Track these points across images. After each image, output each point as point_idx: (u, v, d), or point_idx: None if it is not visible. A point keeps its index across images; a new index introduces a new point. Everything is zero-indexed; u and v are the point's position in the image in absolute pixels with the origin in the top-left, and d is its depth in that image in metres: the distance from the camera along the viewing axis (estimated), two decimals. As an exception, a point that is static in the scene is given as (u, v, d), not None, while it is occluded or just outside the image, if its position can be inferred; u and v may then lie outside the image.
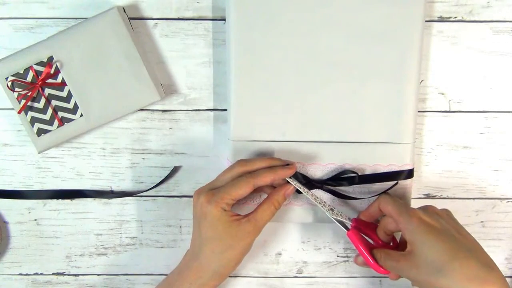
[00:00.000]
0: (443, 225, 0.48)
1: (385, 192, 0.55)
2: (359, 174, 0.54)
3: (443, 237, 0.47)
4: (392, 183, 0.55)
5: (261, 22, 0.52)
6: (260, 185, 0.50)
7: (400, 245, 0.53)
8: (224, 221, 0.50)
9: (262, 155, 0.55)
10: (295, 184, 0.52)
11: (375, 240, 0.53)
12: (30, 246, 0.61)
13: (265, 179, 0.50)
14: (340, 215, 0.53)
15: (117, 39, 0.54)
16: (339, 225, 0.53)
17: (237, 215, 0.51)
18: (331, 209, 0.53)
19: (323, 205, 0.53)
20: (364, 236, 0.53)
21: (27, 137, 0.57)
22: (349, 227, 0.53)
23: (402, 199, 0.55)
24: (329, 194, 0.55)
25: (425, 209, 0.50)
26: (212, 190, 0.51)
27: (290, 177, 0.52)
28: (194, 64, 0.57)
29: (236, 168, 0.51)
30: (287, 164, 0.53)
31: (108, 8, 0.54)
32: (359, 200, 0.55)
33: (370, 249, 0.51)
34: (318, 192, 0.55)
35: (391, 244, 0.54)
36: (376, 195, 0.54)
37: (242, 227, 0.50)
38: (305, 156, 0.55)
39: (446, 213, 0.51)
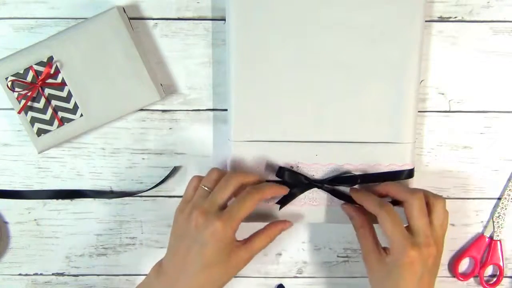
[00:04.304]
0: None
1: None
2: (360, 174, 0.54)
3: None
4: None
5: (261, 22, 0.52)
6: (262, 200, 0.50)
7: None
8: (230, 247, 0.48)
9: (262, 155, 0.55)
10: None
11: None
12: (30, 246, 0.61)
13: (267, 193, 0.50)
14: None
15: (117, 39, 0.54)
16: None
17: (237, 241, 0.49)
18: None
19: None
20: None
21: (27, 137, 0.57)
22: None
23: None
24: (329, 194, 0.55)
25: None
26: (221, 211, 0.48)
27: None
28: (194, 64, 0.57)
29: (234, 179, 0.50)
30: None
31: (108, 8, 0.54)
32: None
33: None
34: (318, 192, 0.55)
35: None
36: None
37: (240, 254, 0.49)
38: (305, 156, 0.55)
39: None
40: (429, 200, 0.50)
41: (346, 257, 0.61)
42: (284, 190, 0.53)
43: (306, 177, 0.54)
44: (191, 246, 0.48)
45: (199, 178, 0.53)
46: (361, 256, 0.53)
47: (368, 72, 0.53)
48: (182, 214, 0.50)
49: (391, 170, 0.54)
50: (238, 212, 0.48)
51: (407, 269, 0.48)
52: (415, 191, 0.50)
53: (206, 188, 0.51)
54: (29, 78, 0.54)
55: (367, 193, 0.53)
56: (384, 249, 0.51)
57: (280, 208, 0.55)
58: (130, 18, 0.56)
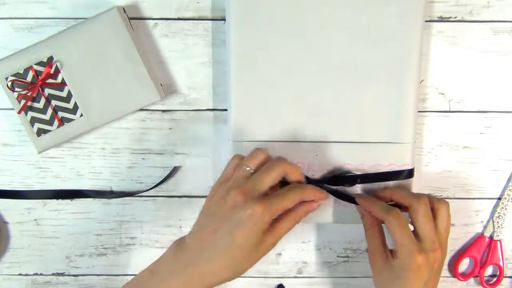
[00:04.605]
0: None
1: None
2: (360, 174, 0.54)
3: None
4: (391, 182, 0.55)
5: (261, 22, 0.52)
6: (301, 200, 0.48)
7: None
8: (262, 233, 0.45)
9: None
10: None
11: None
12: (30, 246, 0.61)
13: (310, 195, 0.48)
14: None
15: (117, 39, 0.54)
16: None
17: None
18: None
19: None
20: None
21: (27, 137, 0.57)
22: None
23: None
24: (329, 194, 0.55)
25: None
26: (264, 197, 0.46)
27: None
28: (194, 64, 0.57)
29: (280, 166, 0.47)
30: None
31: (108, 8, 0.54)
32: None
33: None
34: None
35: None
36: None
37: (266, 240, 0.46)
38: (305, 156, 0.55)
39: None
40: (434, 204, 0.51)
41: (346, 257, 0.61)
42: (324, 195, 0.50)
43: (306, 177, 0.54)
44: (222, 224, 0.46)
45: (241, 157, 0.50)
46: (367, 256, 0.53)
47: (368, 72, 0.53)
48: (217, 193, 0.48)
49: (391, 170, 0.54)
50: (280, 203, 0.46)
51: (414, 274, 0.48)
52: (420, 196, 0.50)
53: (248, 169, 0.48)
54: (29, 78, 0.54)
55: (373, 199, 0.53)
56: (391, 251, 0.51)
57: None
58: (130, 18, 0.56)
